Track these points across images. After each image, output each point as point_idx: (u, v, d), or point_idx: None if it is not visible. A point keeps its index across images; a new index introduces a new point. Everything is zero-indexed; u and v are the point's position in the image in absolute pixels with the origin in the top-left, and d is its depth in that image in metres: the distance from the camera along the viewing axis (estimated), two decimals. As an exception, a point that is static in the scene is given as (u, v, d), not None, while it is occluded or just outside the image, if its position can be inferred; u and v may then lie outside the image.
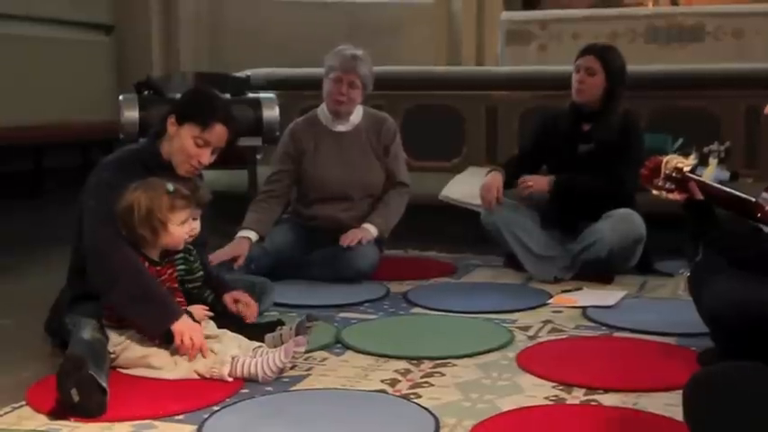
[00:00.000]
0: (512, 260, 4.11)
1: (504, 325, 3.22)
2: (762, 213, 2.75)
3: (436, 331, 3.19)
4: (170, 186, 2.71)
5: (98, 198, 2.81)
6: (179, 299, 2.81)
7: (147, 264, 2.71)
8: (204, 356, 2.63)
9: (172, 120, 2.91)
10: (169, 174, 2.89)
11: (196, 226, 2.88)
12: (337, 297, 3.61)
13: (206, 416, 2.36)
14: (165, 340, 2.66)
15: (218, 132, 2.91)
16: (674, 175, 2.80)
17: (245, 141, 4.55)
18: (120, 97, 4.54)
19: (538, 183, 3.99)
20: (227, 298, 3.00)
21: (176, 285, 2.83)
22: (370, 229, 3.93)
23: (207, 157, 2.92)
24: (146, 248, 2.74)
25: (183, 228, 2.74)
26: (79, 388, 2.30)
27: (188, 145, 2.88)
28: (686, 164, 2.81)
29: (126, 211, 2.70)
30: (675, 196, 2.82)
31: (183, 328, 2.63)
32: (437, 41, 7.35)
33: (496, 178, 4.04)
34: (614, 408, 2.42)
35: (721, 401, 1.76)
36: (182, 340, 2.61)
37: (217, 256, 3.57)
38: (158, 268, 2.75)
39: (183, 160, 2.90)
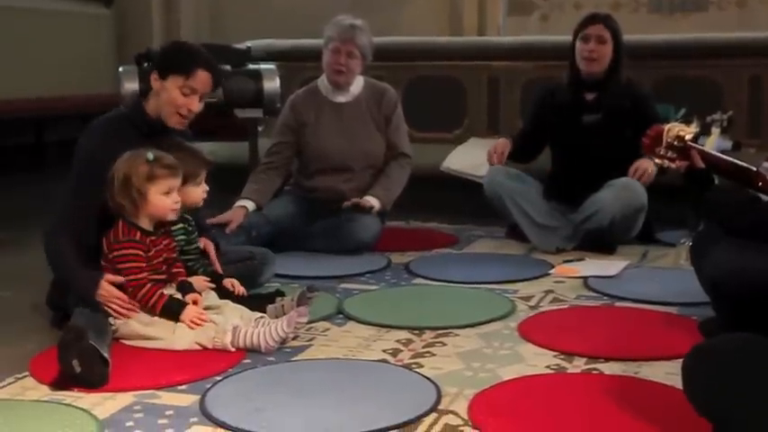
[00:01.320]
0: (513, 231, 4.11)
1: (506, 295, 3.22)
2: (762, 182, 2.74)
3: (438, 301, 3.20)
4: (150, 155, 2.69)
5: (80, 173, 2.85)
6: (178, 269, 2.81)
7: (139, 234, 2.70)
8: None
9: (155, 76, 2.94)
10: (163, 135, 2.92)
11: (200, 192, 2.90)
12: (339, 268, 3.61)
13: (209, 386, 2.36)
14: (166, 312, 2.67)
15: (202, 78, 2.92)
16: (675, 143, 2.79)
17: (245, 113, 4.55)
18: (120, 69, 4.53)
19: (647, 167, 3.80)
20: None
21: (174, 256, 2.82)
22: (373, 202, 3.93)
23: (196, 104, 2.94)
24: (135, 218, 2.72)
25: (167, 198, 2.72)
26: (81, 359, 2.31)
27: (175, 96, 2.90)
28: (688, 132, 2.80)
29: (109, 180, 2.70)
30: (677, 164, 2.81)
31: (104, 296, 2.66)
32: (439, 12, 7.31)
33: (505, 142, 4.06)
34: (615, 376, 2.42)
35: (719, 373, 1.76)
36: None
37: (212, 220, 3.59)
38: (153, 238, 2.74)
39: (172, 112, 2.92)
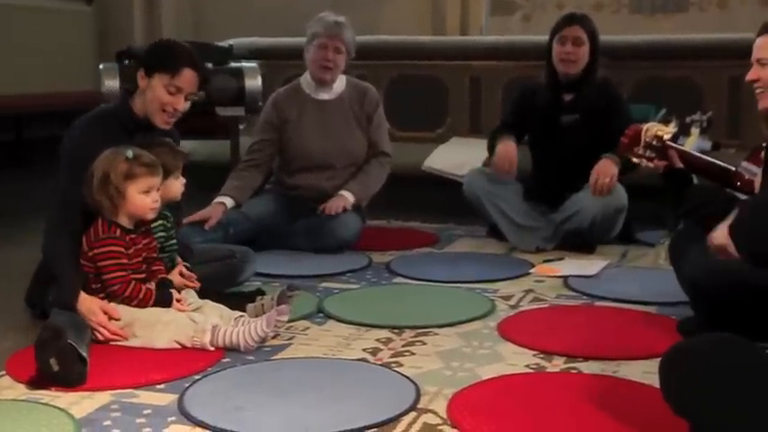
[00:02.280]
0: (494, 230, 4.12)
1: (486, 294, 3.23)
2: (741, 182, 2.76)
3: (418, 301, 3.20)
4: (129, 153, 2.68)
5: (68, 171, 2.82)
6: (159, 267, 2.80)
7: (119, 231, 2.69)
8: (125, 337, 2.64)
9: (141, 73, 2.93)
10: (148, 132, 2.91)
11: (179, 185, 2.89)
12: (319, 267, 3.61)
13: (187, 385, 2.36)
14: (158, 303, 2.68)
15: (188, 77, 2.92)
16: (653, 143, 2.81)
17: (227, 111, 4.54)
18: (101, 67, 4.51)
19: (610, 172, 3.77)
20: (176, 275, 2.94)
21: (155, 255, 2.81)
22: (347, 196, 3.93)
23: (181, 103, 2.93)
24: (114, 216, 2.70)
25: (146, 197, 2.70)
26: (59, 357, 2.30)
27: (161, 94, 2.90)
28: (666, 132, 2.81)
29: (87, 177, 2.68)
30: (655, 164, 2.82)
31: (83, 310, 2.63)
32: (421, 11, 7.30)
33: (510, 146, 3.91)
34: (594, 375, 2.43)
35: (696, 372, 1.77)
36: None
37: (189, 218, 3.58)
38: (132, 236, 2.72)
39: (158, 110, 2.92)
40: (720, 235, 1.95)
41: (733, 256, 1.95)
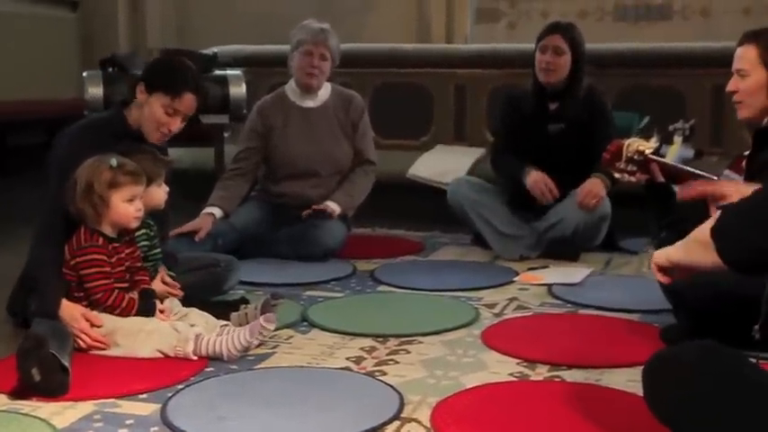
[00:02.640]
0: (479, 238, 4.13)
1: (470, 302, 3.23)
2: (723, 191, 2.77)
3: (402, 309, 3.20)
4: (113, 161, 2.67)
5: (56, 179, 2.80)
6: (142, 277, 2.79)
7: (101, 240, 2.68)
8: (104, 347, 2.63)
9: (141, 88, 2.94)
10: (137, 142, 2.91)
11: (162, 193, 2.87)
12: (304, 275, 3.60)
13: (170, 394, 2.35)
14: (141, 313, 2.67)
15: (188, 101, 2.94)
16: (635, 157, 2.82)
17: (211, 119, 4.53)
18: (84, 74, 4.50)
19: (598, 193, 3.80)
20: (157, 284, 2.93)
21: (139, 264, 2.80)
22: (333, 206, 3.93)
23: (177, 125, 2.96)
24: (97, 225, 2.68)
25: (130, 206, 2.69)
26: (40, 367, 2.28)
27: (158, 113, 2.91)
28: (647, 146, 2.83)
29: (71, 185, 2.67)
30: (637, 178, 2.84)
31: (65, 317, 2.62)
32: (406, 19, 7.32)
33: (538, 174, 3.89)
34: (577, 384, 2.44)
35: (679, 380, 1.77)
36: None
37: (178, 230, 3.58)
38: (115, 245, 2.71)
39: (154, 128, 2.94)
40: (663, 255, 1.94)
41: (669, 278, 1.95)
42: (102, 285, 2.65)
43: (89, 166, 2.67)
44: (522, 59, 4.39)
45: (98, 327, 2.63)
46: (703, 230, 1.73)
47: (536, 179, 3.89)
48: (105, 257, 2.67)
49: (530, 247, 3.95)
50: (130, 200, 2.69)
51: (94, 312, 2.65)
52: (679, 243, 1.87)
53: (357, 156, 4.09)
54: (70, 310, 2.63)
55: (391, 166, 4.53)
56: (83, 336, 2.61)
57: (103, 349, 2.63)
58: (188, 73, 3.01)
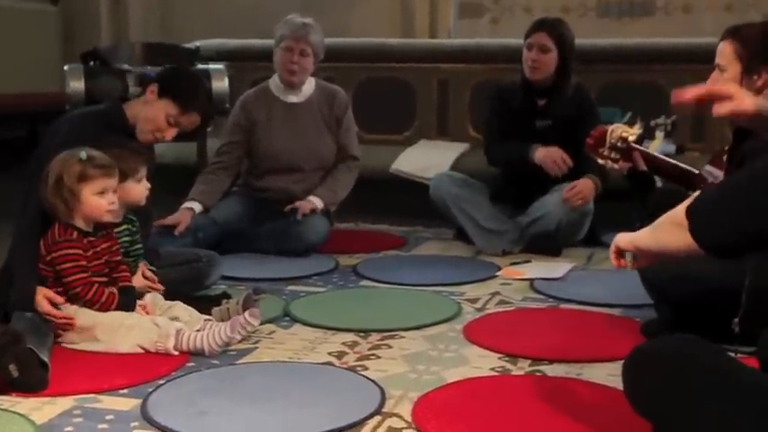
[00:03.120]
0: (462, 233, 4.13)
1: (453, 297, 3.23)
2: (704, 185, 2.78)
3: (384, 304, 3.20)
4: (83, 154, 2.64)
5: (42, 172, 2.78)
6: (123, 273, 2.77)
7: (75, 234, 2.65)
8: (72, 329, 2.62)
9: (153, 88, 2.98)
10: (129, 137, 2.92)
11: (141, 189, 2.86)
12: (286, 270, 3.59)
13: (150, 390, 2.34)
14: (121, 308, 2.66)
15: (193, 119, 3.00)
16: (618, 144, 2.83)
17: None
18: (66, 67, 4.46)
19: (587, 196, 3.83)
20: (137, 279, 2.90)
21: (118, 258, 2.78)
22: (316, 202, 3.92)
23: (172, 134, 2.99)
24: (69, 219, 2.66)
25: (101, 199, 2.66)
26: (18, 363, 2.26)
27: (159, 118, 2.95)
28: (631, 133, 2.83)
29: (42, 179, 2.64)
30: (620, 165, 2.84)
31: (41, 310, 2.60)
32: (390, 14, 7.31)
33: (545, 148, 3.88)
34: (558, 378, 2.45)
35: (658, 374, 1.78)
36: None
37: (157, 223, 3.56)
38: (91, 239, 2.69)
39: (149, 130, 2.96)
40: (627, 239, 1.93)
41: (627, 263, 1.94)
42: (81, 279, 2.63)
43: (59, 160, 2.64)
44: (505, 54, 4.40)
45: (59, 304, 2.61)
46: (677, 211, 1.70)
47: (546, 152, 3.87)
48: (81, 251, 2.65)
49: (512, 241, 3.95)
50: (101, 193, 2.65)
51: (75, 307, 2.63)
52: (647, 228, 1.85)
53: (341, 151, 4.08)
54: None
55: (374, 161, 4.52)
56: (49, 318, 2.59)
57: (72, 327, 2.61)
58: (203, 93, 3.09)
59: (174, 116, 2.96)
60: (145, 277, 2.88)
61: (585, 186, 3.81)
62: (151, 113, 2.94)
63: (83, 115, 2.98)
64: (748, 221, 1.57)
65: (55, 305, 2.61)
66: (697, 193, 1.71)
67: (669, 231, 1.74)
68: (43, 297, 2.61)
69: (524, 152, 3.91)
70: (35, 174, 2.76)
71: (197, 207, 3.82)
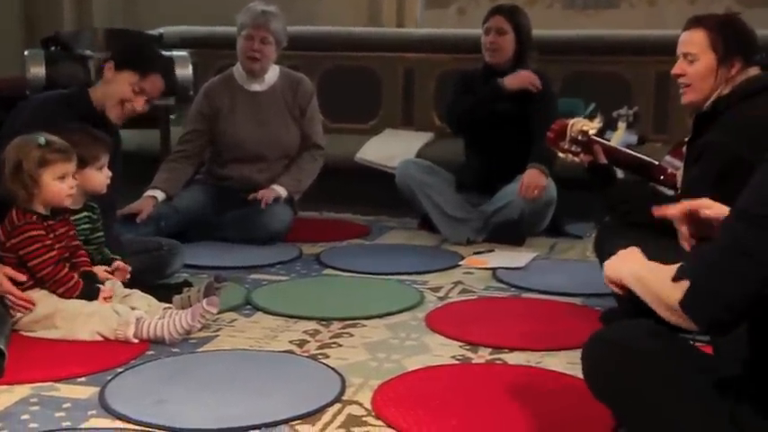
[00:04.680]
0: (426, 222, 4.14)
1: (415, 286, 3.24)
2: (664, 176, 2.81)
3: (347, 292, 3.20)
4: (41, 139, 2.61)
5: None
6: (82, 258, 2.75)
7: (35, 217, 2.62)
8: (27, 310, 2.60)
9: (110, 65, 2.98)
10: (99, 124, 2.90)
11: (102, 177, 2.83)
12: (249, 259, 3.58)
13: (109, 377, 2.32)
14: (84, 296, 2.64)
15: (155, 82, 3.00)
16: (579, 138, 2.84)
17: (157, 101, 4.46)
18: (26, 53, 4.41)
19: (539, 184, 3.80)
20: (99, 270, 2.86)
21: (76, 243, 2.75)
22: (279, 190, 3.90)
23: (141, 104, 2.99)
24: (29, 204, 2.63)
25: (61, 183, 2.63)
26: (-26, 351, 2.24)
27: (124, 91, 2.96)
28: (591, 127, 2.85)
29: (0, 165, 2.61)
30: (581, 158, 2.86)
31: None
32: (357, 3, 7.29)
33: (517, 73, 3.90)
34: (518, 366, 2.46)
35: (615, 359, 1.79)
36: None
37: (120, 212, 3.54)
38: (50, 223, 2.66)
39: (116, 105, 2.97)
40: (616, 273, 1.89)
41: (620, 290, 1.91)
42: (48, 259, 2.60)
43: (17, 146, 2.61)
44: (470, 44, 4.40)
45: (20, 283, 2.59)
46: (668, 296, 1.59)
47: (514, 76, 3.89)
48: (43, 232, 2.62)
49: (477, 230, 3.97)
50: (62, 177, 2.63)
51: (35, 292, 2.60)
52: (641, 274, 1.75)
53: (305, 140, 4.06)
54: None
55: (339, 150, 4.51)
56: (8, 296, 2.56)
57: (30, 309, 2.59)
58: (159, 55, 3.09)
59: (137, 83, 2.96)
60: (118, 269, 2.83)
61: (533, 176, 3.82)
62: (115, 89, 2.95)
63: (45, 99, 2.95)
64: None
65: (16, 284, 2.58)
66: (681, 283, 1.54)
67: (660, 306, 1.63)
68: (3, 275, 2.57)
69: (494, 87, 3.91)
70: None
71: (160, 195, 3.79)
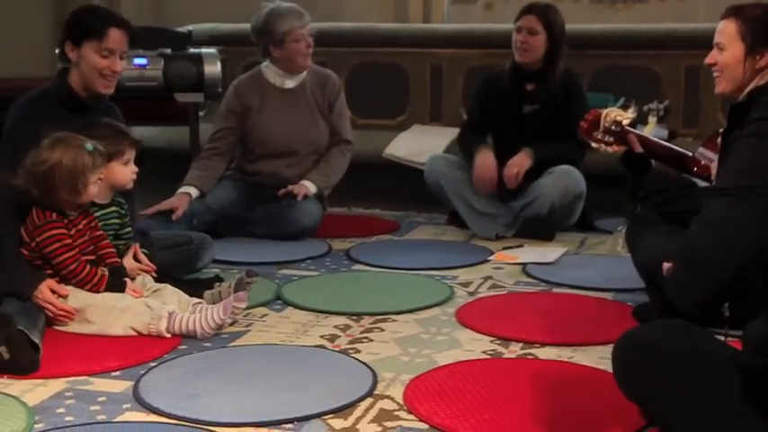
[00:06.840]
0: (454, 218, 4.13)
1: (445, 281, 3.24)
2: (698, 167, 2.79)
3: (377, 287, 3.20)
4: (89, 146, 2.64)
5: (9, 154, 2.76)
6: (108, 249, 2.77)
7: (55, 215, 2.64)
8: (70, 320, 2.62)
9: (69, 46, 2.91)
10: (84, 112, 2.90)
11: (127, 172, 2.86)
12: (279, 254, 3.59)
13: (142, 372, 2.34)
14: (110, 289, 2.65)
15: (116, 36, 2.90)
16: (612, 128, 2.83)
17: (186, 97, 4.50)
18: (57, 51, 4.43)
19: (522, 164, 3.88)
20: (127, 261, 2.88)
21: (99, 233, 2.77)
22: (309, 186, 3.91)
23: (117, 64, 2.91)
24: (54, 204, 2.65)
25: (100, 183, 2.69)
26: (9, 345, 2.27)
27: (95, 61, 2.88)
28: (625, 117, 2.83)
29: (46, 174, 2.60)
30: (614, 149, 2.84)
31: (42, 297, 2.59)
32: (384, -1, 7.29)
33: (489, 158, 3.93)
34: (550, 361, 2.46)
35: (647, 358, 1.79)
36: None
37: (154, 208, 3.57)
38: (71, 218, 2.68)
39: (96, 76, 2.90)
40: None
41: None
42: (70, 258, 2.63)
43: (66, 153, 2.61)
44: (497, 40, 4.39)
45: (64, 297, 2.61)
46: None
47: (479, 164, 3.92)
48: (64, 230, 2.64)
49: (506, 225, 3.95)
50: (100, 178, 2.68)
51: (62, 284, 2.63)
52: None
53: (333, 135, 4.07)
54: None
55: (367, 146, 4.52)
56: (48, 306, 2.59)
57: (71, 319, 2.61)
58: (104, 11, 3.00)
59: (100, 48, 2.86)
60: (137, 260, 2.87)
61: (517, 157, 3.88)
62: (86, 65, 2.88)
63: (33, 98, 2.94)
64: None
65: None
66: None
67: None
68: (47, 287, 2.60)
69: (474, 151, 3.96)
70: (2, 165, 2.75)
71: (194, 192, 3.82)
